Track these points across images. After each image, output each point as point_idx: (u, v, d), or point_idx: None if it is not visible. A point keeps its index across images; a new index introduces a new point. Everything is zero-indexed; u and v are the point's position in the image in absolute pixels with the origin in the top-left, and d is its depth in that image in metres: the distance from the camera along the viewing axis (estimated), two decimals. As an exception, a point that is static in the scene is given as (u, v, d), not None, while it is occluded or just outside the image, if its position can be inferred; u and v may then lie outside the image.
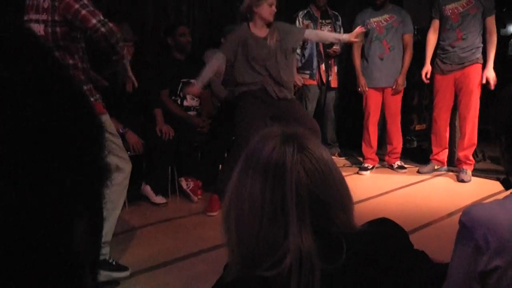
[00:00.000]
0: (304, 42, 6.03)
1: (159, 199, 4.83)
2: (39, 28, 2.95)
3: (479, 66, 5.48)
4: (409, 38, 5.92)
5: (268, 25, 4.55)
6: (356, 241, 1.20)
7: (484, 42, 5.53)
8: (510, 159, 1.55)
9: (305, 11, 6.22)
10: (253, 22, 4.52)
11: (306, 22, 6.15)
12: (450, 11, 5.52)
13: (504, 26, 11.10)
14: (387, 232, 1.30)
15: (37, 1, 2.98)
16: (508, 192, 1.59)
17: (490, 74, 5.38)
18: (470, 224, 1.42)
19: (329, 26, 6.24)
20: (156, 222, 4.42)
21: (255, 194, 1.15)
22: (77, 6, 2.90)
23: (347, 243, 1.16)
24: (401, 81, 5.89)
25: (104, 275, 3.16)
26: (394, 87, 5.85)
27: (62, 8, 2.90)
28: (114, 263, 3.31)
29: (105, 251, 3.23)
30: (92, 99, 3.08)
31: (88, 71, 3.15)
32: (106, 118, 3.18)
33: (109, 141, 3.12)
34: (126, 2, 5.38)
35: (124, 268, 3.34)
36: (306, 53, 6.28)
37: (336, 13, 6.40)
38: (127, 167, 3.31)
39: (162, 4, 5.68)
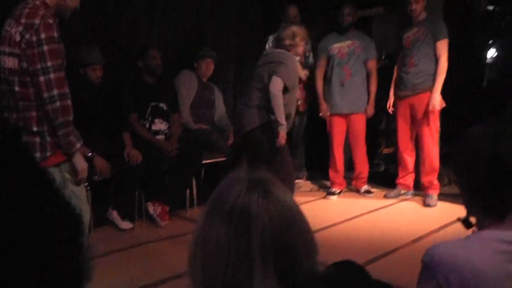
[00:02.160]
0: None
1: (126, 224, 4.78)
2: (13, 62, 2.87)
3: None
4: (372, 65, 6.01)
5: None
6: (319, 286, 1.21)
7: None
8: (470, 200, 1.58)
9: (275, 35, 6.25)
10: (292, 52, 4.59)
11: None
12: (406, 39, 5.65)
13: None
14: (351, 276, 1.31)
15: (9, 33, 2.90)
16: (469, 231, 1.62)
17: (436, 100, 5.46)
18: (432, 264, 1.45)
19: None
20: (122, 248, 4.35)
21: (220, 239, 1.16)
22: (38, 66, 2.81)
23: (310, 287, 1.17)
24: (370, 112, 6.01)
25: None
26: (366, 116, 5.99)
27: (26, 53, 2.83)
28: None
29: None
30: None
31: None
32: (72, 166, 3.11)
33: (70, 191, 3.06)
34: (96, 23, 5.36)
35: None
36: None
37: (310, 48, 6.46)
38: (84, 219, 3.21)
39: (133, 26, 5.67)
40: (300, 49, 4.62)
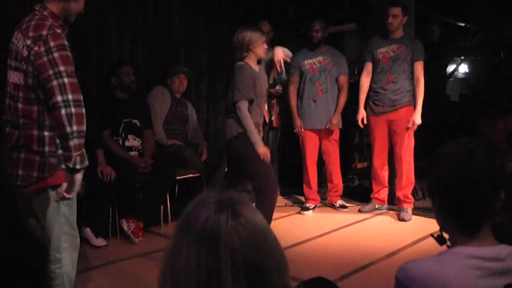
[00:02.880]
0: None
1: (100, 242, 4.73)
2: (18, 77, 2.77)
3: (411, 108, 5.64)
4: (344, 80, 6.02)
5: (258, 61, 4.62)
6: (291, 305, 1.21)
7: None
8: (443, 217, 1.60)
9: None
10: (248, 59, 4.53)
11: None
12: (381, 55, 5.69)
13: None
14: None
15: (16, 46, 2.79)
16: (443, 247, 1.64)
17: (417, 119, 5.55)
18: (406, 281, 1.47)
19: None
20: (96, 265, 4.31)
21: (190, 261, 1.16)
22: (50, 72, 2.65)
23: (282, 307, 1.17)
24: (335, 121, 5.96)
25: None
26: (327, 126, 5.93)
27: (35, 65, 2.69)
28: None
29: None
30: (63, 167, 2.80)
31: None
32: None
33: (63, 214, 2.96)
34: (68, 39, 5.32)
35: None
36: None
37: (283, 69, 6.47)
38: (72, 245, 3.04)
39: (105, 43, 5.65)
40: (260, 51, 4.52)
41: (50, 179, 2.85)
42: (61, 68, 2.64)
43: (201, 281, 1.14)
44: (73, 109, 2.64)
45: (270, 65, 4.74)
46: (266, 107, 6.19)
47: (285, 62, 4.68)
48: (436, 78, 7.62)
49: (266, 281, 1.19)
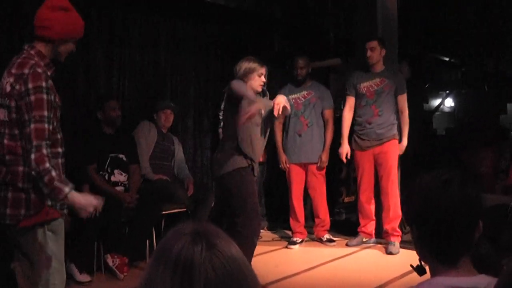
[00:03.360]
0: None
1: (84, 277, 4.67)
2: (3, 113, 2.79)
3: (396, 141, 5.70)
4: (329, 114, 6.07)
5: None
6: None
7: (398, 119, 5.76)
8: (422, 247, 1.61)
9: None
10: None
11: None
12: (365, 88, 5.75)
13: (427, 101, 11.64)
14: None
15: (1, 83, 2.83)
16: (423, 278, 1.64)
17: (404, 147, 5.64)
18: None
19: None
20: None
21: None
22: (26, 117, 2.71)
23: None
24: (325, 158, 6.01)
25: None
26: (318, 164, 5.98)
27: (18, 104, 2.73)
28: None
29: None
30: (49, 203, 2.87)
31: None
32: (60, 223, 3.04)
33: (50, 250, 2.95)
34: (56, 72, 5.34)
35: None
36: None
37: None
38: (60, 282, 3.04)
39: (92, 77, 5.68)
40: (255, 83, 4.43)
41: (36, 216, 2.84)
42: (34, 113, 2.70)
43: None
44: (33, 155, 2.70)
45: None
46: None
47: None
48: (418, 112, 7.71)
49: (241, 313, 1.18)
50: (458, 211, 1.50)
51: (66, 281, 4.50)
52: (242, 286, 1.19)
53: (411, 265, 1.73)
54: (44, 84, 2.76)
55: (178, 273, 1.16)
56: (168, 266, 1.18)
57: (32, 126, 2.70)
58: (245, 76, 4.41)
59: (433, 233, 1.54)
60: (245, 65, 4.44)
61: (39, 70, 2.79)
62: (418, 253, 1.65)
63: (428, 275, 1.63)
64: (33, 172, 2.71)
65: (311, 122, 5.97)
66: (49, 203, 2.86)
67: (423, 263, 1.68)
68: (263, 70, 4.47)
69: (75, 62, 5.48)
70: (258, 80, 4.45)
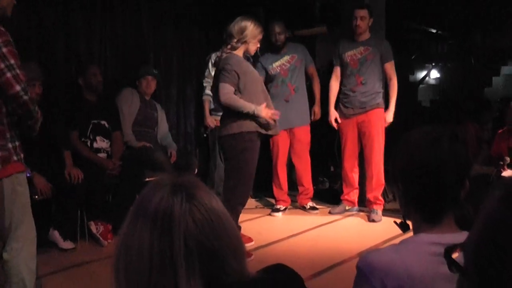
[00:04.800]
0: None
1: (68, 245, 4.67)
2: None
3: (381, 110, 5.68)
4: (313, 69, 6.09)
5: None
6: (249, 290, 1.19)
7: (386, 87, 5.75)
8: (406, 204, 1.60)
9: (218, 53, 6.22)
10: (238, 52, 4.44)
11: None
12: (349, 57, 5.73)
13: (413, 73, 11.64)
14: (281, 279, 1.30)
15: None
16: (406, 235, 1.64)
17: (389, 117, 5.62)
18: (367, 270, 1.46)
19: None
20: (64, 268, 4.26)
21: (143, 245, 1.14)
22: (2, 66, 2.79)
23: (239, 292, 1.15)
24: (317, 110, 6.05)
25: None
26: (312, 118, 6.01)
27: None
28: None
29: None
30: (15, 158, 2.96)
31: (14, 125, 3.01)
32: (24, 177, 3.07)
33: (20, 204, 3.02)
34: (35, 39, 5.27)
35: None
36: None
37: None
38: (29, 236, 3.11)
39: (73, 43, 5.59)
40: (252, 47, 4.46)
41: (1, 171, 2.91)
42: (12, 61, 2.82)
43: (154, 266, 1.12)
44: (27, 97, 2.87)
45: None
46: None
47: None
48: (403, 83, 7.70)
49: (222, 265, 1.17)
50: (446, 168, 1.48)
51: (50, 249, 4.55)
52: (222, 237, 1.18)
53: (395, 222, 1.72)
54: (11, 39, 2.86)
55: (158, 225, 1.14)
56: (147, 218, 1.16)
57: (18, 71, 2.83)
58: (247, 38, 4.39)
59: (419, 190, 1.53)
60: (250, 28, 4.40)
61: (2, 28, 2.85)
62: (402, 210, 1.64)
63: (411, 232, 1.62)
64: (26, 110, 2.86)
65: (298, 86, 5.94)
66: (15, 157, 2.95)
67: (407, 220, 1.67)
68: (261, 35, 4.51)
69: (56, 29, 5.39)
70: (256, 44, 4.47)
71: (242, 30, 4.37)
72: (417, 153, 1.53)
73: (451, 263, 0.80)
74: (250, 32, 4.38)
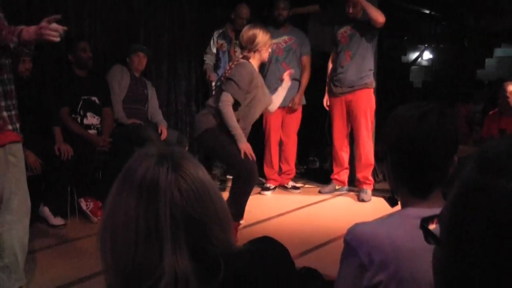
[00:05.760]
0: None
1: (58, 221, 4.67)
2: None
3: (370, 91, 5.68)
4: (306, 60, 6.06)
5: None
6: (235, 261, 1.19)
7: (376, 66, 5.76)
8: (395, 178, 1.60)
9: (220, 31, 6.19)
10: (252, 60, 4.40)
11: (220, 41, 6.12)
12: (340, 35, 5.75)
13: (406, 54, 11.63)
14: (267, 251, 1.30)
15: None
16: (394, 209, 1.65)
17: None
18: (354, 243, 1.46)
19: None
20: (55, 244, 4.28)
21: (129, 215, 1.13)
22: None
23: (225, 263, 1.15)
24: (298, 100, 6.00)
25: None
26: (290, 105, 5.94)
27: None
28: None
29: None
30: (10, 127, 2.93)
31: (12, 94, 2.99)
32: (19, 148, 3.04)
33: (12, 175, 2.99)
34: (24, 15, 5.21)
35: None
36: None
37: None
38: (22, 208, 3.08)
39: (63, 19, 5.51)
40: (265, 54, 4.44)
41: None
42: None
43: (140, 235, 1.12)
44: None
45: None
46: None
47: None
48: (396, 64, 7.71)
49: (208, 235, 1.17)
50: (435, 143, 1.48)
51: (40, 225, 4.54)
52: (209, 208, 1.17)
53: (383, 196, 1.73)
54: None
55: (143, 195, 1.14)
56: (132, 189, 1.15)
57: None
58: (258, 46, 4.36)
59: (408, 165, 1.53)
60: (260, 35, 4.35)
61: None
62: (391, 185, 1.64)
63: (399, 207, 1.63)
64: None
65: (292, 68, 5.91)
66: (10, 127, 2.91)
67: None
68: (272, 41, 4.54)
69: (46, 4, 5.33)
70: (268, 50, 4.47)
71: (252, 40, 4.35)
72: (405, 127, 1.53)
73: (427, 234, 0.80)
74: (261, 40, 4.36)
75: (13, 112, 2.97)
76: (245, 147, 4.22)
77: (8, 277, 3.01)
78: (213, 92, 5.84)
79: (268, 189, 6.05)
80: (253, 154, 4.22)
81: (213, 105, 4.33)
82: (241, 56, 4.44)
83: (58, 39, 2.79)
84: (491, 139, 0.75)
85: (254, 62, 4.40)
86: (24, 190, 3.06)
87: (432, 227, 0.83)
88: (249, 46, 4.36)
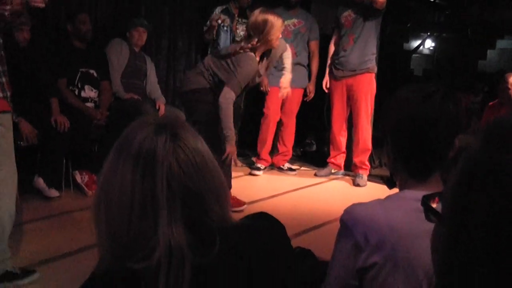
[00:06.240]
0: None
1: (52, 193, 4.65)
2: None
3: (371, 75, 5.66)
4: (315, 45, 6.03)
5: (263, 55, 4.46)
6: (230, 235, 1.18)
7: (379, 52, 5.73)
8: (394, 159, 1.59)
9: (224, 7, 6.09)
10: (258, 50, 4.33)
11: (223, 16, 6.03)
12: (344, 18, 5.70)
13: (408, 41, 11.57)
14: (263, 226, 1.29)
15: None
16: (392, 191, 1.63)
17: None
18: (350, 223, 1.45)
19: (244, 26, 6.12)
20: (48, 216, 4.27)
21: (125, 184, 1.11)
22: None
23: (220, 236, 1.15)
24: (312, 88, 6.02)
25: (14, 286, 3.04)
26: (308, 95, 6.01)
27: None
28: (18, 271, 3.11)
29: (4, 265, 3.04)
30: (0, 95, 2.87)
31: (3, 60, 2.95)
32: (8, 117, 2.98)
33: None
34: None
35: (31, 272, 3.16)
36: None
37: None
38: (10, 179, 3.02)
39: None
40: (275, 42, 4.32)
41: None
42: None
43: (135, 205, 1.11)
44: None
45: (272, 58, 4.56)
46: None
47: None
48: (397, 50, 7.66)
49: (204, 209, 1.16)
50: (436, 125, 1.47)
51: (34, 196, 4.53)
52: (206, 180, 1.16)
53: (382, 177, 1.71)
54: None
55: (140, 165, 1.12)
56: (129, 157, 1.13)
57: None
58: (269, 34, 4.24)
59: (407, 145, 1.52)
60: (272, 21, 4.23)
61: None
62: (390, 167, 1.63)
63: (397, 189, 1.61)
64: None
65: (299, 51, 5.91)
66: (0, 94, 2.86)
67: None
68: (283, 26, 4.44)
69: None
70: (278, 38, 4.35)
71: (263, 26, 4.21)
72: (407, 108, 1.51)
73: (428, 210, 0.79)
74: (271, 27, 4.23)
75: (3, 79, 2.92)
76: (232, 150, 4.21)
77: None
78: (209, 51, 5.81)
79: (258, 169, 5.98)
80: (235, 159, 4.25)
81: (206, 70, 4.32)
82: (249, 45, 4.29)
83: (43, 4, 2.77)
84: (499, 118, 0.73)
85: (259, 53, 4.34)
86: (12, 161, 3.00)
87: (433, 206, 0.81)
88: (258, 35, 4.23)
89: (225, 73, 4.28)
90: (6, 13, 2.70)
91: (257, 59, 4.34)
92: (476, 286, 0.65)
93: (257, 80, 4.56)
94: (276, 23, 4.25)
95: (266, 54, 4.47)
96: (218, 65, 4.36)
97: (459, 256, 0.67)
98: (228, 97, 4.16)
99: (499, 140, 0.66)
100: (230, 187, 4.36)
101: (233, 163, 4.35)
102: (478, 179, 0.66)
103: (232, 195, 4.42)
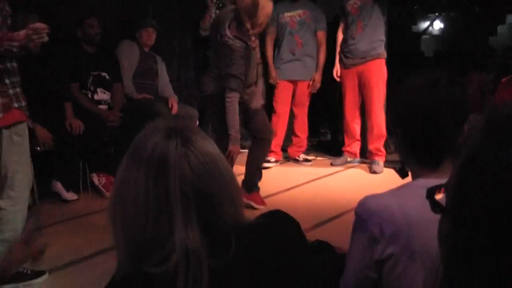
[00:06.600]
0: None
1: (70, 196, 4.71)
2: None
3: (382, 61, 5.64)
4: (322, 35, 5.99)
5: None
6: (245, 235, 1.19)
7: (387, 36, 5.70)
8: (405, 149, 1.59)
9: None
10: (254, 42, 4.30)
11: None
12: (350, 6, 5.68)
13: (416, 23, 11.49)
14: (278, 224, 1.30)
15: None
16: (405, 181, 1.64)
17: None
18: (365, 215, 1.46)
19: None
20: (67, 219, 4.31)
21: (139, 189, 1.13)
22: None
23: (236, 237, 1.15)
24: (318, 78, 5.98)
25: (24, 286, 3.11)
26: (311, 83, 5.95)
27: None
28: (29, 272, 3.19)
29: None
30: (16, 105, 2.96)
31: (15, 71, 3.00)
32: (24, 127, 3.07)
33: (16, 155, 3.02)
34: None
35: (41, 273, 3.24)
36: None
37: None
38: (25, 184, 3.13)
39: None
40: (261, 27, 4.21)
41: (2, 119, 2.91)
42: None
43: (150, 210, 1.12)
44: None
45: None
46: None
47: None
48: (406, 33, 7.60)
49: (218, 210, 1.17)
50: (444, 112, 1.47)
51: (53, 199, 4.58)
52: (218, 183, 1.17)
53: (394, 168, 1.72)
54: None
55: (152, 170, 1.13)
56: (141, 164, 1.15)
57: None
58: (259, 21, 4.09)
59: (416, 134, 1.52)
60: (269, 4, 4.12)
61: None
62: (401, 156, 1.63)
63: (409, 178, 1.62)
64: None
65: (306, 41, 5.89)
66: (16, 105, 2.93)
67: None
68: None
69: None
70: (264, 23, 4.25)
71: (254, 12, 4.02)
72: (414, 97, 1.52)
73: (433, 203, 0.79)
74: (268, 11, 4.11)
75: (18, 90, 2.99)
76: (235, 150, 4.20)
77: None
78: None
79: (268, 161, 5.80)
80: (234, 160, 4.23)
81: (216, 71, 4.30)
82: (253, 39, 4.25)
83: (46, 38, 2.87)
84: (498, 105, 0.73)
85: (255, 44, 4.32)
86: (27, 167, 3.13)
87: (439, 196, 0.82)
88: (251, 20, 4.05)
89: (225, 68, 4.25)
90: (14, 49, 2.81)
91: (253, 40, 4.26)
92: (478, 278, 0.66)
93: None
94: (267, 2, 4.09)
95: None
96: (218, 64, 4.35)
97: (462, 246, 0.68)
98: (232, 97, 4.17)
99: (499, 134, 0.67)
100: None
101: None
102: (478, 171, 0.66)
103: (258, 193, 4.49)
